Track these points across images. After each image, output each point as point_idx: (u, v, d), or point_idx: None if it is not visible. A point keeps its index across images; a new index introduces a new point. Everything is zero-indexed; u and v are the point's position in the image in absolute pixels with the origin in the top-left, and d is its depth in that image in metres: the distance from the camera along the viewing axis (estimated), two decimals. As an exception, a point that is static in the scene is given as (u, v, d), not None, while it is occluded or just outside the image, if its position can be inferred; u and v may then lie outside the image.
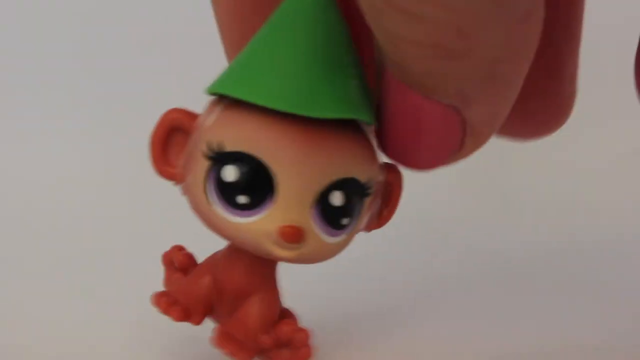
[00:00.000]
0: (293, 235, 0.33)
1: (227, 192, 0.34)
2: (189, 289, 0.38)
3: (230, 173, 0.34)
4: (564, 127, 0.79)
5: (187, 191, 0.36)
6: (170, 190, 0.39)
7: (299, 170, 0.33)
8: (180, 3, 0.82)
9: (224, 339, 0.37)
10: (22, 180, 0.76)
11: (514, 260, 0.58)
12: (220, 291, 0.38)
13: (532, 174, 0.77)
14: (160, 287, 0.50)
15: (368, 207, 0.36)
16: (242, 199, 0.34)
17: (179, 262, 0.40)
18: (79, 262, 0.60)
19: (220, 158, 0.34)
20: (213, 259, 0.39)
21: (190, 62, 0.78)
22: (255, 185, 0.33)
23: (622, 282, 0.52)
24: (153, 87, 0.80)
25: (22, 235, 0.66)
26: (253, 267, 0.37)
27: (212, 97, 0.36)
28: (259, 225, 0.34)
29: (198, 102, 0.36)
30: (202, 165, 0.34)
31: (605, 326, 0.44)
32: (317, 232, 0.34)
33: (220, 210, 0.34)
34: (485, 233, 0.65)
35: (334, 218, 0.34)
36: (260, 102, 0.32)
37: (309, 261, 0.35)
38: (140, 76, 0.82)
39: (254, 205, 0.34)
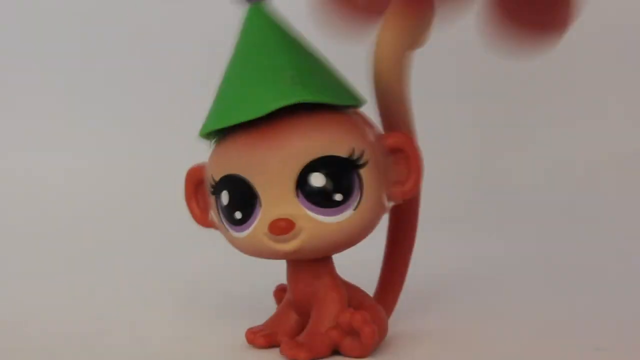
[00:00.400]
0: (281, 228, 0.36)
1: (228, 214, 0.38)
2: (278, 321, 0.41)
3: (225, 197, 0.38)
4: (564, 127, 0.79)
5: (215, 227, 0.40)
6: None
7: (267, 169, 0.36)
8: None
9: (292, 347, 0.38)
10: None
11: (515, 258, 0.58)
12: (297, 306, 0.40)
13: (532, 173, 0.77)
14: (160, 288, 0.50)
15: (374, 177, 0.37)
16: (237, 215, 0.38)
17: (279, 299, 0.44)
18: (80, 261, 0.60)
19: (216, 188, 0.38)
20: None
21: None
22: (243, 198, 0.37)
23: (621, 279, 0.52)
24: (158, 89, 0.80)
25: (25, 236, 0.66)
26: (312, 272, 0.40)
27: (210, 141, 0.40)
28: (258, 229, 0.37)
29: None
30: (212, 201, 0.39)
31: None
32: (313, 215, 0.37)
33: (233, 232, 0.38)
34: (486, 231, 0.65)
35: (323, 197, 0.36)
36: (217, 126, 0.37)
37: (318, 247, 0.37)
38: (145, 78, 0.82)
39: (248, 215, 0.37)
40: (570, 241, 0.63)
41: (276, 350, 0.40)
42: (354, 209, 0.37)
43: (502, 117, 0.81)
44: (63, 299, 0.51)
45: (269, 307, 0.45)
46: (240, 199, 0.37)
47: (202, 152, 0.40)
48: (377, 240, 0.43)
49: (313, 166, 0.36)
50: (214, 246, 0.43)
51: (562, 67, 0.82)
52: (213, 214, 0.40)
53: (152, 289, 0.53)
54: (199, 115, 0.40)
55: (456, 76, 0.82)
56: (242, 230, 0.38)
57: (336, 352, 0.39)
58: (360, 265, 0.44)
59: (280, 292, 0.44)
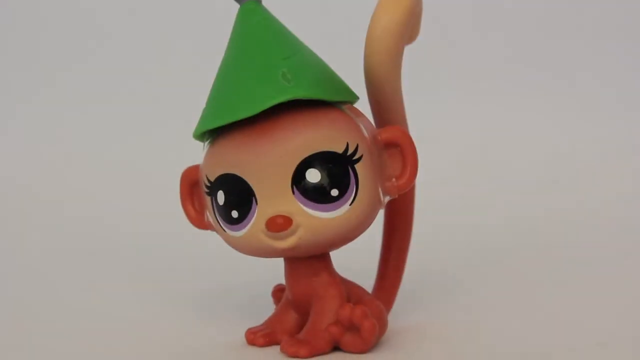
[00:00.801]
0: (279, 224, 0.36)
1: (225, 213, 0.38)
2: (277, 320, 0.41)
3: (220, 197, 0.38)
4: (563, 126, 0.79)
5: (212, 228, 0.40)
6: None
7: (263, 167, 0.36)
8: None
9: (293, 344, 0.38)
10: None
11: (515, 254, 0.58)
12: (296, 305, 0.40)
13: (531, 166, 0.77)
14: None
15: (369, 172, 0.38)
16: (234, 214, 0.38)
17: (278, 299, 0.44)
18: (80, 261, 0.61)
19: (212, 188, 0.38)
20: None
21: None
22: (239, 196, 0.37)
23: (624, 274, 0.52)
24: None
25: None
26: (310, 270, 0.40)
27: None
28: (255, 227, 0.37)
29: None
30: (207, 201, 0.39)
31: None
32: (309, 211, 0.37)
33: (230, 231, 0.38)
34: (485, 226, 0.65)
35: (319, 193, 0.37)
36: (211, 126, 0.37)
37: (315, 243, 0.37)
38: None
39: (245, 213, 0.37)
40: (572, 236, 0.63)
41: (276, 348, 0.40)
42: (350, 204, 0.37)
43: (499, 110, 0.81)
44: (62, 298, 0.52)
45: (268, 306, 0.45)
46: (236, 197, 0.37)
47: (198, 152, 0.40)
48: (373, 237, 0.44)
49: (308, 162, 0.36)
50: (213, 245, 0.43)
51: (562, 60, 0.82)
52: (209, 215, 0.40)
53: (151, 288, 0.53)
54: (194, 115, 0.40)
55: (450, 69, 0.82)
56: (239, 229, 0.38)
57: (337, 348, 0.39)
58: (358, 262, 0.44)
59: (278, 293, 0.44)
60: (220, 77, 0.39)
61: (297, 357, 0.38)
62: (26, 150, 0.82)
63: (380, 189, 0.38)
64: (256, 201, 0.37)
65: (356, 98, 0.40)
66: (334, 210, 0.37)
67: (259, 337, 0.40)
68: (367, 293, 0.41)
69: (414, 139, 0.39)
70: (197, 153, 0.40)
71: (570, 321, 0.43)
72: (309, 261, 0.39)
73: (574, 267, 0.54)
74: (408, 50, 0.41)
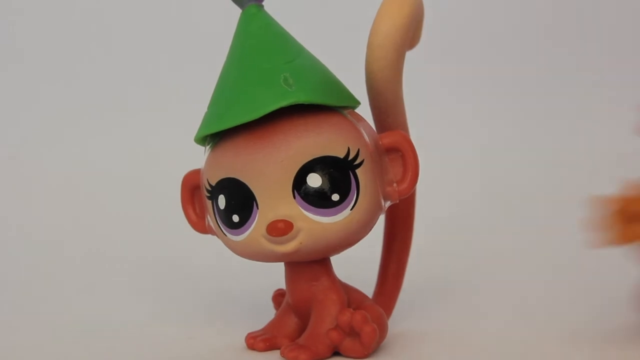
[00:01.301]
0: (280, 229, 0.36)
1: (226, 217, 0.38)
2: (277, 325, 0.41)
3: (221, 201, 0.38)
4: (565, 127, 0.79)
5: (213, 232, 0.40)
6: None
7: (264, 171, 0.36)
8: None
9: (293, 349, 0.38)
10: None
11: (515, 257, 0.58)
12: (297, 309, 0.41)
13: (529, 171, 0.77)
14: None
15: (370, 177, 0.38)
16: (235, 218, 0.38)
17: (278, 304, 0.44)
18: (80, 261, 0.61)
19: (213, 193, 0.38)
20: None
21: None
22: (240, 201, 0.37)
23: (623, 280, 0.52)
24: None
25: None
26: (311, 274, 0.40)
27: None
28: (256, 232, 0.37)
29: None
30: (208, 205, 0.39)
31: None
32: (310, 216, 0.37)
33: (231, 236, 0.38)
34: (485, 231, 0.65)
35: (320, 198, 0.37)
36: (212, 130, 0.38)
37: (316, 248, 0.37)
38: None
39: (246, 218, 0.37)
40: (573, 240, 0.63)
41: (277, 353, 0.40)
42: (351, 209, 0.37)
43: (500, 116, 0.81)
44: (62, 302, 0.52)
45: (269, 310, 0.45)
46: (237, 201, 0.37)
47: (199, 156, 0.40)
48: (374, 241, 0.44)
49: (310, 167, 0.36)
50: (214, 249, 0.43)
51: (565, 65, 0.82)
52: (209, 219, 0.40)
53: (151, 292, 0.53)
54: (195, 119, 0.40)
55: (453, 75, 0.82)
56: (239, 234, 0.38)
57: (337, 353, 0.39)
58: (358, 266, 0.44)
59: (279, 297, 0.45)
60: (221, 81, 0.39)
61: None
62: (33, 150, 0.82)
63: (381, 194, 0.38)
64: (257, 205, 0.37)
65: (357, 103, 0.40)
66: (335, 215, 0.37)
67: (259, 341, 0.40)
68: (368, 298, 0.41)
69: (415, 144, 0.39)
70: (198, 157, 0.40)
71: (571, 325, 0.43)
72: (310, 266, 0.39)
73: (573, 274, 0.54)
74: (409, 55, 0.41)
